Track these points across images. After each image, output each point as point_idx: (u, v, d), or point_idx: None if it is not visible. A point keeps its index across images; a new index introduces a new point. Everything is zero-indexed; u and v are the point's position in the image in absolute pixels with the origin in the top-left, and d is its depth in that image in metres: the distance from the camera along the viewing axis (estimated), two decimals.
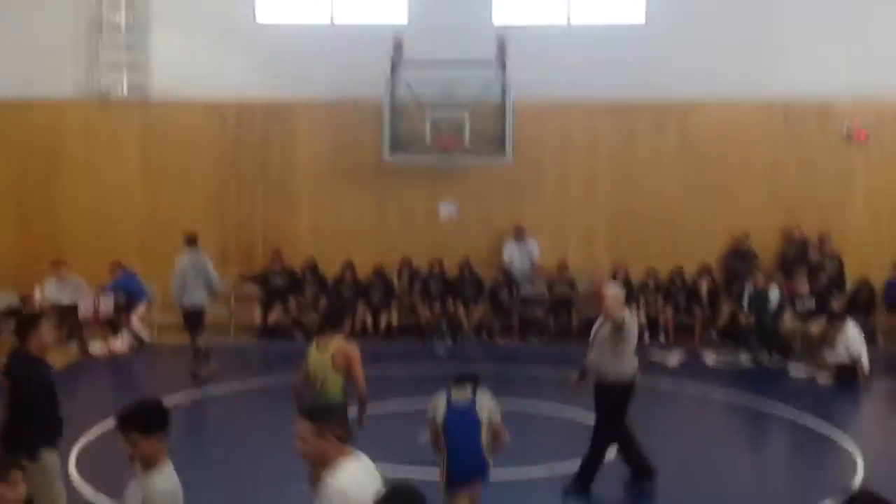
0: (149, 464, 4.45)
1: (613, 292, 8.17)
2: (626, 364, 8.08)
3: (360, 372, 7.08)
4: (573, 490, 8.22)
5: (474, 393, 6.55)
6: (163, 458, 4.49)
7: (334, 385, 7.04)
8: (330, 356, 7.08)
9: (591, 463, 8.22)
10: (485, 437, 6.51)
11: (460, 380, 6.60)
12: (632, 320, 8.16)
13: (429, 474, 7.55)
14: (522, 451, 9.03)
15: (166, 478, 4.49)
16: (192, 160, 16.33)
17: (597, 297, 8.82)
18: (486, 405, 6.55)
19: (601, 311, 8.18)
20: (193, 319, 12.75)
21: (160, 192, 16.33)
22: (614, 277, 14.47)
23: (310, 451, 4.34)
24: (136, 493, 4.48)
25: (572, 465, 8.50)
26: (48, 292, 14.68)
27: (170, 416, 4.57)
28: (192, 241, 12.88)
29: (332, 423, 4.35)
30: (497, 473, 6.85)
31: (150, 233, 16.21)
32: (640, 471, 8.28)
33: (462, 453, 6.51)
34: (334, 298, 14.58)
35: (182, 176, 16.33)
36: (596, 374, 8.18)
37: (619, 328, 7.91)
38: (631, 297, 15.37)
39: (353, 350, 7.17)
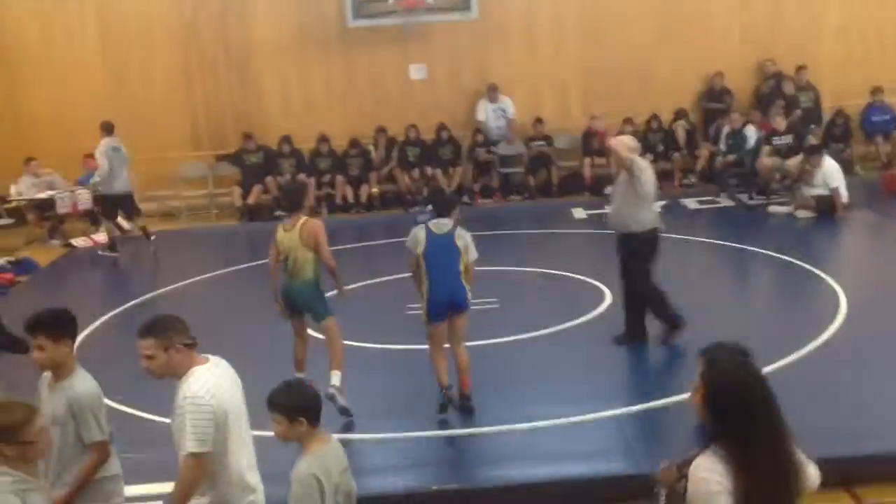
0: (62, 368, 4.59)
1: (620, 138, 8.14)
2: (646, 211, 7.96)
3: (325, 246, 7.23)
4: (628, 341, 8.26)
5: (454, 226, 6.97)
6: (74, 364, 4.64)
7: (306, 261, 7.23)
8: (297, 234, 7.22)
9: (638, 311, 8.20)
10: (463, 265, 6.91)
11: (439, 212, 7.09)
12: (645, 165, 7.99)
13: (418, 344, 7.79)
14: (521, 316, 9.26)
15: (85, 378, 4.66)
16: (152, 41, 15.86)
17: (606, 150, 8.75)
18: (464, 236, 6.98)
19: (612, 163, 8.10)
20: (128, 203, 13.50)
21: (123, 80, 15.92)
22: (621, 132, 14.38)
23: (159, 365, 4.21)
24: (55, 400, 4.55)
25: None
26: (24, 189, 14.48)
27: (76, 324, 4.78)
28: (109, 128, 13.35)
29: (176, 333, 4.24)
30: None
31: (117, 123, 15.82)
32: (671, 323, 8.20)
33: (443, 282, 6.89)
34: (291, 181, 14.38)
35: (143, 59, 15.90)
36: (617, 226, 8.17)
37: (630, 173, 7.78)
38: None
39: (318, 225, 7.33)
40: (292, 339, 7.51)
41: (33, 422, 3.77)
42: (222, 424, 4.12)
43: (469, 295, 6.98)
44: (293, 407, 4.18)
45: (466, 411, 7.08)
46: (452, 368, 7.11)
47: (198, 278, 11.73)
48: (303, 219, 7.32)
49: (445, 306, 6.94)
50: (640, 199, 7.87)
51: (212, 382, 4.16)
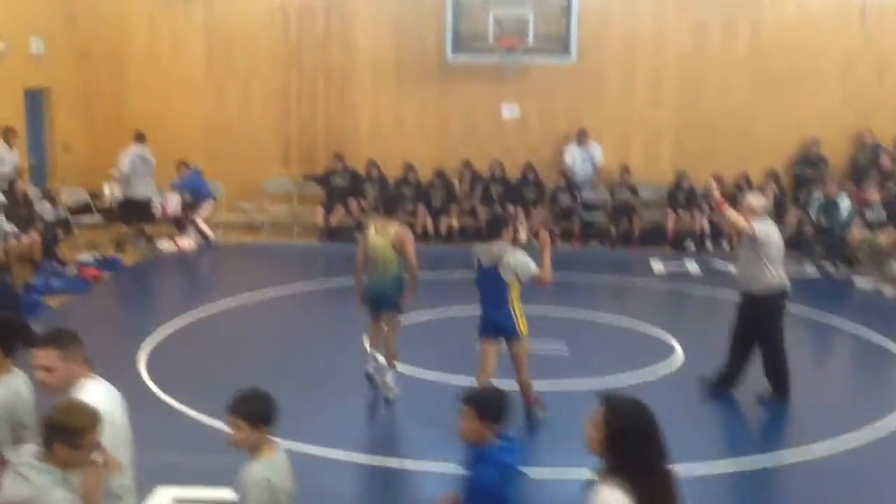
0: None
1: (747, 200, 8.24)
2: (768, 274, 7.93)
3: (412, 252, 7.97)
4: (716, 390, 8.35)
5: (501, 254, 7.27)
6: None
7: (391, 261, 7.95)
8: (389, 239, 7.94)
9: (776, 369, 8.21)
10: (513, 294, 7.30)
11: (490, 237, 7.45)
12: (766, 228, 7.99)
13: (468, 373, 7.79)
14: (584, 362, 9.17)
15: (9, 384, 4.49)
16: (255, 58, 16.29)
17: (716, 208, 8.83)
18: (511, 266, 7.22)
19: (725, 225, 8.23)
20: (144, 209, 14.53)
21: (224, 91, 16.38)
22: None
23: (59, 377, 4.10)
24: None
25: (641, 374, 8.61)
26: (117, 191, 14.92)
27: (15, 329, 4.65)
28: (141, 137, 14.66)
29: (77, 346, 4.20)
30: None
31: (215, 132, 16.34)
32: (780, 389, 8.20)
33: (488, 309, 7.38)
34: (391, 189, 14.83)
35: (245, 74, 16.33)
36: (741, 286, 8.27)
37: (750, 238, 7.91)
38: (694, 202, 15.28)
39: (408, 233, 8.11)
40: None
41: (95, 430, 3.76)
42: None
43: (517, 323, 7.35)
44: (258, 414, 4.20)
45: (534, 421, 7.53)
46: None
47: (271, 292, 11.89)
48: (393, 226, 8.00)
49: (490, 330, 7.44)
50: (759, 261, 7.89)
51: (102, 397, 4.09)
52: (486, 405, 4.17)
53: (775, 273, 7.93)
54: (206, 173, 15.37)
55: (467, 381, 8.30)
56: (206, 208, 15.06)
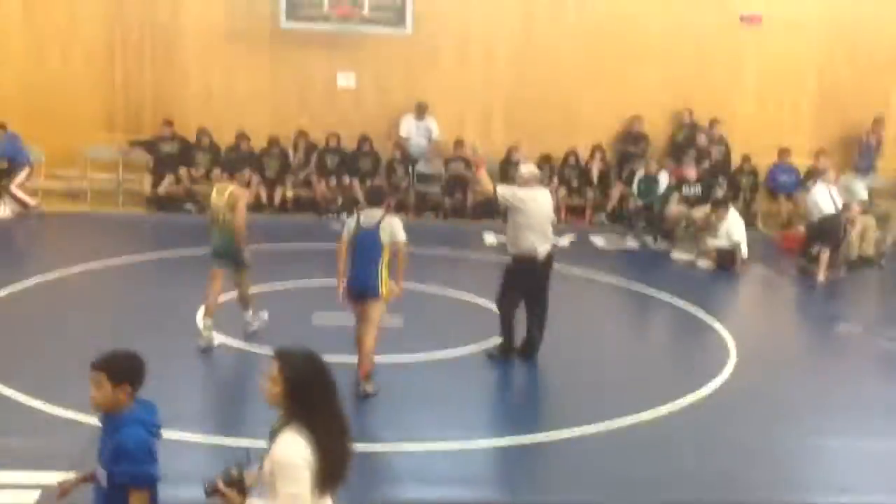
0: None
1: (518, 171, 8.88)
2: (521, 239, 8.47)
3: (241, 210, 8.54)
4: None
5: (381, 218, 7.70)
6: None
7: (231, 222, 8.56)
8: (225, 198, 8.55)
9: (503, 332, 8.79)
10: (385, 257, 7.67)
11: (371, 203, 7.91)
12: (524, 195, 8.51)
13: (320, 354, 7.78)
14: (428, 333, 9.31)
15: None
16: (75, 13, 15.44)
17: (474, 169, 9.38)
18: (389, 228, 7.66)
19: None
20: None
21: (42, 48, 15.46)
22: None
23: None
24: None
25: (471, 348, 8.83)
26: None
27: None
28: None
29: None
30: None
31: (32, 92, 15.41)
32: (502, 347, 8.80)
33: (359, 270, 7.71)
34: (235, 152, 14.63)
35: (64, 30, 15.47)
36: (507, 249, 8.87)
37: (493, 201, 8.77)
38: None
39: (243, 193, 8.75)
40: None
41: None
42: None
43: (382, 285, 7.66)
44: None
45: (366, 395, 7.62)
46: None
47: (95, 265, 11.42)
48: (234, 186, 8.64)
49: (360, 290, 7.71)
50: (518, 226, 8.49)
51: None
52: (119, 369, 4.03)
53: (528, 239, 8.45)
54: (23, 137, 14.53)
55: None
56: (22, 175, 14.26)
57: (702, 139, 15.84)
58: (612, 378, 8.54)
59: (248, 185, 9.52)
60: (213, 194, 8.86)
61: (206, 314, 8.83)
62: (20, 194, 14.12)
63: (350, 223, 7.89)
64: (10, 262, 12.32)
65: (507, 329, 8.76)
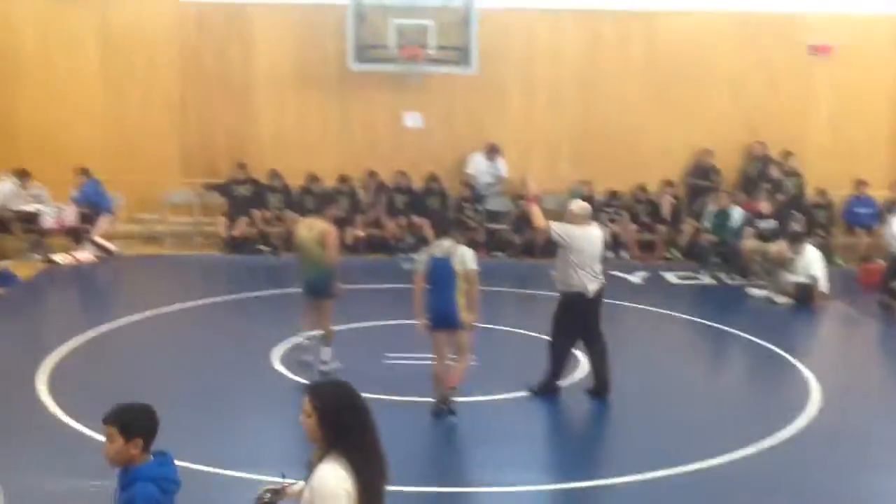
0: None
1: (569, 208, 8.82)
2: (572, 275, 8.44)
3: (332, 246, 9.04)
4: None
5: (452, 247, 7.95)
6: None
7: (320, 256, 9.00)
8: (316, 234, 9.00)
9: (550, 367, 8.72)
10: (460, 285, 7.87)
11: (440, 233, 8.24)
12: (574, 232, 8.46)
13: (388, 393, 8.03)
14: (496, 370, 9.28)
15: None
16: (153, 63, 15.94)
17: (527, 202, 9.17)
18: (461, 257, 7.90)
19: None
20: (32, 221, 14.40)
21: (122, 98, 15.97)
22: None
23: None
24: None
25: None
26: (10, 201, 14.41)
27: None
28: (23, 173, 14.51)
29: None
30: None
31: (113, 140, 15.92)
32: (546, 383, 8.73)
33: (437, 301, 7.94)
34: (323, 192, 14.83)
35: (143, 80, 15.95)
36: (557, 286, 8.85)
37: (546, 237, 8.73)
38: (593, 213, 15.57)
39: (332, 230, 9.14)
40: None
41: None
42: None
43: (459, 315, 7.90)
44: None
45: (443, 414, 7.96)
46: None
47: (174, 306, 11.67)
48: (323, 223, 9.14)
49: (441, 321, 7.96)
50: (568, 263, 8.41)
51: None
52: (131, 423, 3.99)
53: (578, 276, 8.42)
54: (103, 182, 14.98)
55: (369, 396, 8.37)
56: (104, 222, 14.66)
57: (775, 172, 15.61)
58: (689, 418, 8.39)
59: (334, 221, 9.71)
60: (303, 230, 9.24)
61: (325, 343, 9.15)
62: (102, 241, 14.52)
63: (422, 256, 8.18)
64: (92, 306, 12.69)
65: (555, 366, 8.69)
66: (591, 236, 8.64)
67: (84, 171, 14.68)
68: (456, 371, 8.09)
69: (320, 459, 3.75)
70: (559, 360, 8.69)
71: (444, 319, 7.97)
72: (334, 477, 3.66)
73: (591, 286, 8.48)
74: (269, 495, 4.07)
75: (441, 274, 7.92)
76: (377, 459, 3.82)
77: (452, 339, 8.07)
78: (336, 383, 3.96)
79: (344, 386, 3.90)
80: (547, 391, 8.68)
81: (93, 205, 14.62)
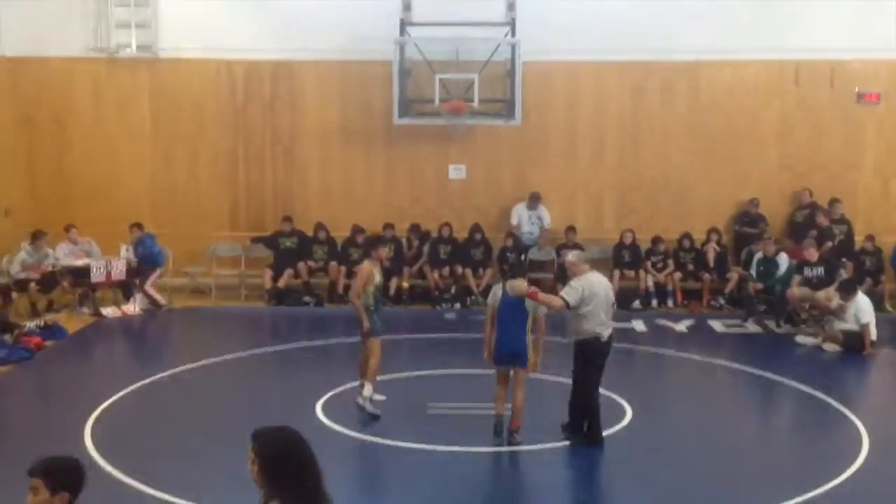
0: None
1: (569, 261, 9.05)
2: (583, 323, 8.48)
3: (357, 282, 9.33)
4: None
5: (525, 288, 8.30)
6: None
7: (362, 296, 9.26)
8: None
9: (572, 412, 8.75)
10: (530, 324, 8.35)
11: (514, 275, 8.54)
12: (582, 291, 8.45)
13: (431, 443, 7.87)
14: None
15: None
16: (202, 121, 16.34)
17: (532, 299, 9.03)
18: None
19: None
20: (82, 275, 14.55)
21: (171, 154, 16.36)
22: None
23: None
24: None
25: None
26: (61, 256, 14.73)
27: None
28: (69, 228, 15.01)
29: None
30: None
31: (161, 195, 16.29)
32: (575, 428, 8.71)
33: (507, 338, 8.35)
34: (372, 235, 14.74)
35: (192, 136, 16.35)
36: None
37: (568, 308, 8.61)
38: (638, 261, 15.54)
39: (364, 268, 9.37)
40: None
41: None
42: None
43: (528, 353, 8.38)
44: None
45: (511, 444, 8.36)
46: None
47: (219, 358, 11.78)
48: (365, 262, 9.41)
49: (506, 357, 8.40)
50: (579, 314, 8.50)
51: None
52: (57, 476, 3.90)
53: (589, 323, 8.47)
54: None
55: (412, 446, 8.37)
56: (155, 275, 14.91)
57: (822, 219, 15.43)
58: (737, 468, 8.22)
59: (382, 261, 9.82)
60: (495, 295, 8.90)
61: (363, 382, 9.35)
62: (153, 293, 14.75)
63: (497, 291, 8.55)
64: (139, 358, 12.85)
65: (592, 411, 8.63)
66: (597, 284, 8.62)
67: (138, 226, 14.99)
68: (515, 413, 8.46)
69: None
70: (595, 405, 8.63)
71: (511, 356, 8.40)
72: None
73: (605, 332, 8.54)
74: None
75: (512, 312, 8.35)
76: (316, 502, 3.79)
77: (510, 377, 8.48)
78: (279, 430, 3.88)
79: (287, 431, 3.87)
80: (592, 441, 8.59)
81: (149, 258, 14.89)
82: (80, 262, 14.55)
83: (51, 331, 12.72)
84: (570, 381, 8.84)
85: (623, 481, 7.99)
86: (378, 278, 9.48)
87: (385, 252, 10.00)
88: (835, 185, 15.96)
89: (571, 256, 9.12)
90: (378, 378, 9.45)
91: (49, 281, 14.44)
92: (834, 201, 15.70)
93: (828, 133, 16.13)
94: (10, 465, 7.93)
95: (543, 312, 8.45)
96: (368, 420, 9.09)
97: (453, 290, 15.34)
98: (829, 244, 15.00)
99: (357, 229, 15.57)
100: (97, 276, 14.37)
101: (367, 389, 9.22)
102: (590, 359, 8.60)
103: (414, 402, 9.70)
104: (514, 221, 16.00)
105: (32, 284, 14.13)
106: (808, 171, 16.12)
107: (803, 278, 13.79)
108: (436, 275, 15.52)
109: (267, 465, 3.74)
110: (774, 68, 16.07)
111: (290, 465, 3.76)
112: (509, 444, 8.37)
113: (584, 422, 8.66)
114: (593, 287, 8.51)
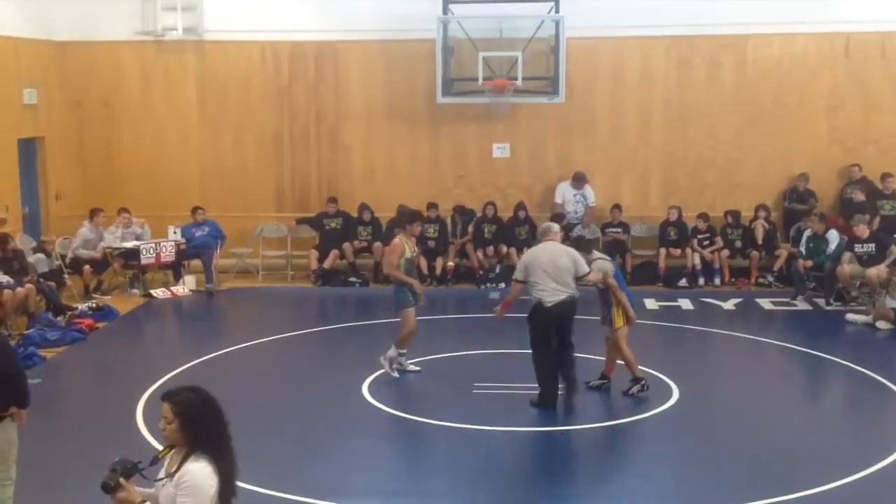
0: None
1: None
2: (535, 291, 8.90)
3: (388, 259, 9.84)
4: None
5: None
6: None
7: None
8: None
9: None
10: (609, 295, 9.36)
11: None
12: (522, 262, 9.15)
13: (476, 422, 7.88)
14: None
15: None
16: (248, 102, 16.43)
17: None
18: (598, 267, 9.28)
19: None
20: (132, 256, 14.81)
21: (218, 137, 16.50)
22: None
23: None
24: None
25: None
26: (110, 238, 14.96)
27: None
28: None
29: None
30: None
31: (209, 177, 16.46)
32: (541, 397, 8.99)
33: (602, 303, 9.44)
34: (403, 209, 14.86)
35: (238, 118, 16.45)
36: None
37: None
38: (684, 239, 15.40)
39: (392, 245, 9.81)
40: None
41: None
42: None
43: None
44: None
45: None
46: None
47: (267, 339, 11.92)
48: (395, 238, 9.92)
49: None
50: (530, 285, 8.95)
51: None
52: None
53: (534, 290, 8.87)
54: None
55: (468, 427, 8.41)
56: (217, 253, 15.19)
57: (857, 195, 15.08)
58: (787, 448, 8.14)
59: (414, 235, 10.09)
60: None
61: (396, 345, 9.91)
62: (213, 273, 14.89)
63: (608, 266, 9.46)
64: (188, 339, 13.04)
65: (541, 379, 8.90)
66: (544, 251, 8.99)
67: (201, 210, 15.24)
68: (610, 363, 9.54)
69: (185, 458, 3.99)
70: (544, 373, 8.92)
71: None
72: (202, 474, 3.93)
73: (550, 299, 8.77)
74: (118, 474, 4.08)
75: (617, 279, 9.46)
76: (232, 457, 4.09)
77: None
78: (193, 389, 4.14)
79: (200, 390, 4.14)
80: (545, 404, 8.89)
81: (213, 239, 15.17)
82: (129, 245, 14.75)
83: (102, 312, 12.96)
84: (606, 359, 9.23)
85: (668, 460, 7.95)
86: (408, 253, 9.75)
87: (417, 228, 10.13)
88: (886, 160, 15.64)
89: (542, 226, 9.54)
90: (409, 351, 10.02)
91: (100, 263, 14.70)
92: (886, 176, 15.37)
93: (879, 106, 15.79)
94: (65, 440, 8.19)
95: (598, 277, 9.21)
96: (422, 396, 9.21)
97: (498, 269, 15.31)
98: (867, 218, 14.60)
99: (402, 208, 15.59)
100: (147, 258, 14.58)
101: (391, 351, 9.81)
102: (533, 325, 8.93)
103: (459, 382, 9.74)
104: (558, 200, 15.92)
105: (86, 267, 14.39)
106: (858, 146, 15.81)
107: (853, 255, 13.56)
108: (480, 254, 15.51)
109: (188, 423, 4.00)
110: (824, 40, 15.74)
111: (212, 423, 4.05)
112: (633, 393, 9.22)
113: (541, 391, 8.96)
114: (536, 257, 8.96)
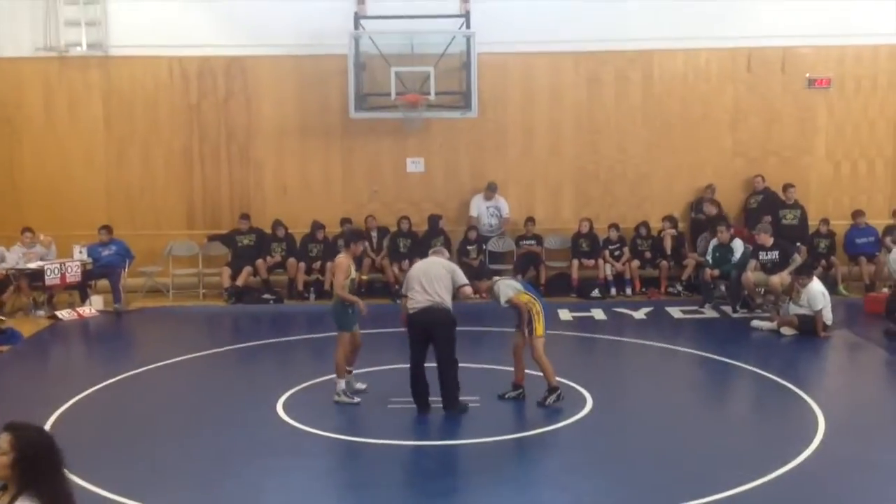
0: None
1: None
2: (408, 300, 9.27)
3: (336, 277, 9.52)
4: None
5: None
6: None
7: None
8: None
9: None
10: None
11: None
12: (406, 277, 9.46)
13: (392, 438, 7.79)
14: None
15: None
16: (156, 119, 16.17)
17: None
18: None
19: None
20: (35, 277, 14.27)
21: (125, 152, 16.19)
22: None
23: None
24: None
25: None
26: (13, 259, 14.51)
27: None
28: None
29: None
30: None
31: (116, 194, 16.10)
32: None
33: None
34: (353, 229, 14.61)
35: (146, 135, 16.17)
36: None
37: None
38: (596, 251, 15.66)
39: (340, 262, 9.54)
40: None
41: None
42: None
43: None
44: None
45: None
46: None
47: (178, 359, 11.68)
48: (340, 256, 9.69)
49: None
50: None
51: None
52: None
53: (409, 300, 9.22)
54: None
55: (374, 441, 8.37)
56: (125, 273, 14.83)
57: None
58: (695, 452, 8.30)
59: (356, 256, 10.04)
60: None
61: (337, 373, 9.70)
62: (120, 293, 14.56)
63: (516, 285, 9.65)
64: (97, 360, 12.69)
65: (412, 385, 9.17)
66: (421, 264, 9.47)
67: (108, 229, 14.89)
68: (519, 371, 9.67)
69: (13, 498, 3.85)
70: (413, 379, 9.16)
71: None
72: None
73: (411, 304, 9.14)
74: None
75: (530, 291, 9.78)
76: (67, 499, 3.97)
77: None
78: (37, 428, 4.03)
79: (43, 431, 4.05)
80: (420, 409, 9.16)
81: (121, 258, 14.90)
82: (33, 265, 14.32)
83: (5, 335, 12.53)
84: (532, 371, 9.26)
85: (584, 469, 8.03)
86: (353, 272, 9.69)
87: (360, 248, 10.08)
88: (788, 171, 16.19)
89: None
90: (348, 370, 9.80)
91: (1, 283, 14.22)
92: (788, 186, 15.92)
93: (780, 119, 16.36)
94: None
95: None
96: (337, 412, 9.14)
97: None
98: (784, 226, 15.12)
99: (317, 225, 15.52)
100: (51, 278, 14.16)
101: (339, 385, 9.56)
102: (411, 334, 9.22)
103: (375, 397, 9.69)
104: (473, 213, 16.03)
105: None
106: (761, 157, 16.35)
107: (758, 263, 13.97)
108: (395, 269, 15.50)
109: (26, 459, 3.86)
110: (726, 55, 16.24)
111: (48, 463, 3.92)
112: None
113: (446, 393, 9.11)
114: (415, 269, 9.41)
